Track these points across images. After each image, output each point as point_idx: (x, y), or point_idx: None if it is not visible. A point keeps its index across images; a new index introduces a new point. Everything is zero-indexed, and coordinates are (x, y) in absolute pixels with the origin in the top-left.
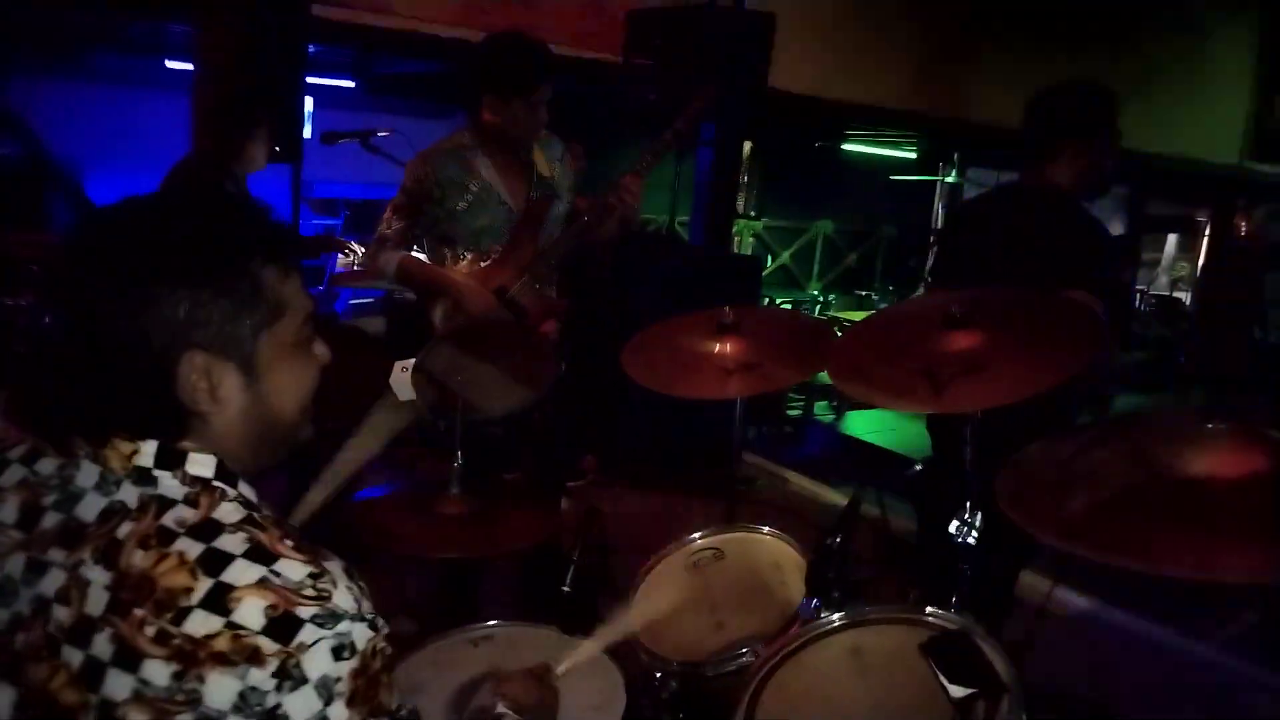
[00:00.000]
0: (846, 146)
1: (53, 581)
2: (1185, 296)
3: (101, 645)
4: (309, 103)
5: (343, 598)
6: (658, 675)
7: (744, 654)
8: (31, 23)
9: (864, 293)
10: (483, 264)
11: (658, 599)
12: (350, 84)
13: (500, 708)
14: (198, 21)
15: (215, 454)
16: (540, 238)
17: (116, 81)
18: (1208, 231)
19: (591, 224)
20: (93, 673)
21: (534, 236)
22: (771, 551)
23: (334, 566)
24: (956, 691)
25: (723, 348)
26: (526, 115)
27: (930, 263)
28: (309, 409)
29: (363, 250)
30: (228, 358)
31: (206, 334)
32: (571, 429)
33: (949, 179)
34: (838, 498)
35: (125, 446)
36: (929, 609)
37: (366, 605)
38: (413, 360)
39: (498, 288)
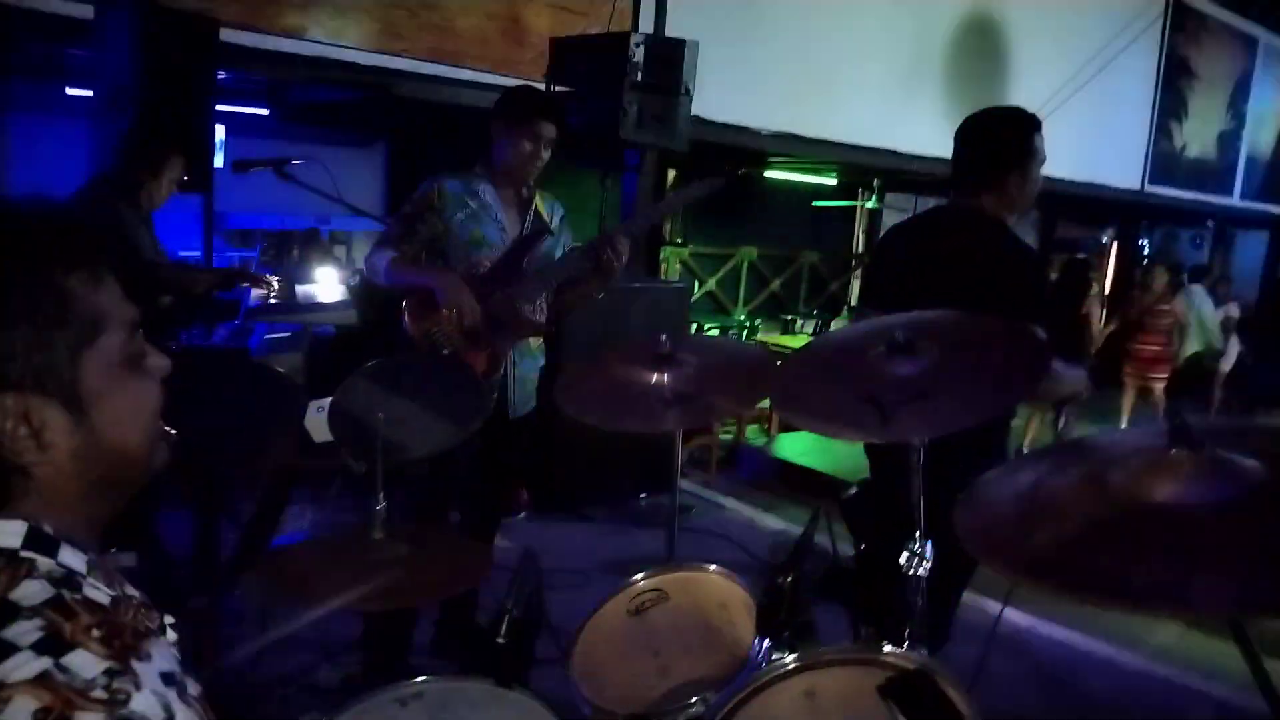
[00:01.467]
0: (769, 174)
1: None
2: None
3: None
4: (220, 131)
5: (146, 703)
6: None
7: (694, 703)
8: None
9: (789, 317)
10: (470, 275)
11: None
12: (264, 111)
13: None
14: (98, 46)
15: (27, 518)
16: (530, 263)
17: (15, 109)
18: (1113, 252)
19: (586, 267)
20: None
21: (523, 259)
22: (717, 590)
23: (147, 667)
24: None
25: (660, 378)
26: (527, 147)
27: (859, 286)
28: (158, 432)
29: (278, 283)
30: (45, 393)
31: (14, 369)
32: (503, 463)
33: (869, 204)
34: (774, 522)
35: None
36: (886, 648)
37: (185, 716)
38: (329, 399)
39: (479, 292)
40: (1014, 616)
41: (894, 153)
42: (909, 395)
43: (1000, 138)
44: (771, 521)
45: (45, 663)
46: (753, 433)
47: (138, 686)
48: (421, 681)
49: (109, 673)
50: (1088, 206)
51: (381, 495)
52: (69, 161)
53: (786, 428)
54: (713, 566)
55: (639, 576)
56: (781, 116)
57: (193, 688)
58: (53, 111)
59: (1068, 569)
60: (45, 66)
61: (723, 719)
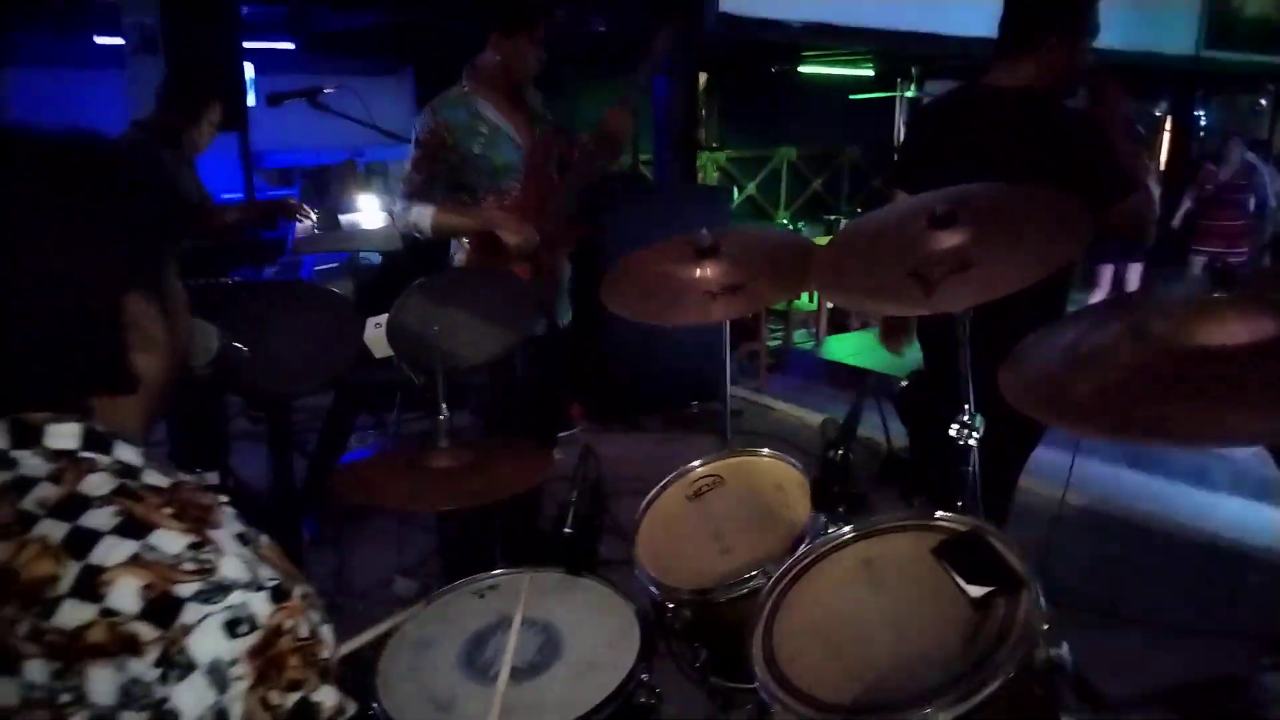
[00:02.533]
0: (803, 69)
1: None
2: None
3: None
4: (249, 68)
5: (232, 566)
6: (670, 606)
7: (755, 576)
8: None
9: (832, 216)
10: (505, 203)
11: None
12: (290, 45)
13: None
14: None
15: (80, 419)
16: (552, 171)
17: (45, 63)
18: (1168, 125)
19: (594, 152)
20: None
21: (547, 170)
22: (772, 473)
23: (223, 533)
24: (974, 591)
25: (703, 272)
26: (529, 52)
27: (888, 168)
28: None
29: (316, 213)
30: (149, 296)
31: (132, 272)
32: (555, 373)
33: (908, 94)
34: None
35: None
36: (938, 513)
37: (266, 572)
38: (385, 315)
39: (526, 214)
40: (1074, 498)
41: (934, 36)
42: (952, 267)
43: None
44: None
45: (133, 544)
46: (800, 336)
47: (220, 553)
48: (498, 574)
49: (192, 546)
50: (1138, 78)
51: (444, 405)
52: (104, 111)
53: (834, 329)
54: (766, 450)
55: (696, 464)
56: (812, 6)
57: (264, 540)
58: (82, 63)
59: (1110, 412)
60: (71, 19)
61: (782, 590)
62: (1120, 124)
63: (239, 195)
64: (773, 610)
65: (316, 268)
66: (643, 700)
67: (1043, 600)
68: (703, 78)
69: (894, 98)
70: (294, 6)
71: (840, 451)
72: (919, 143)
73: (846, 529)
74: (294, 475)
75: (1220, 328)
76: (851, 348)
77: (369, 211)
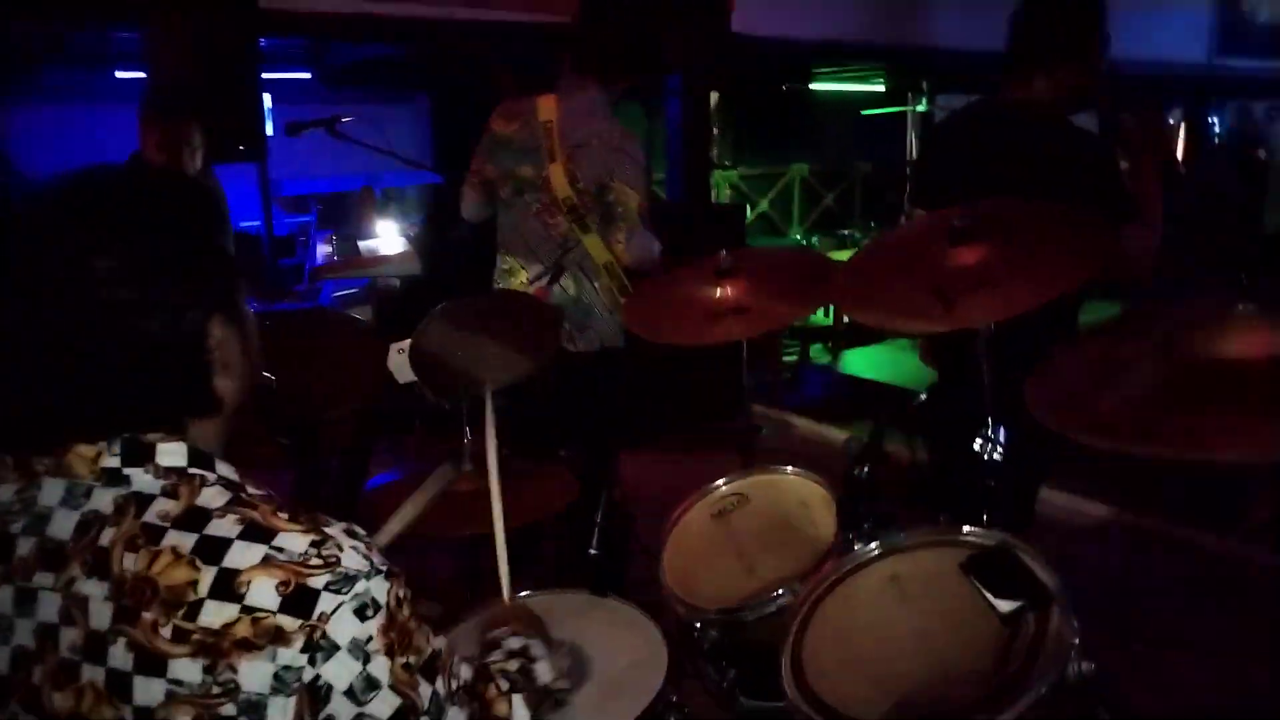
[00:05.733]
0: (814, 86)
1: (49, 607)
2: None
3: (120, 656)
4: (267, 99)
5: (351, 558)
6: (697, 626)
7: (782, 595)
8: None
9: (846, 232)
10: None
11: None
12: (307, 75)
13: (491, 635)
14: (144, 26)
15: (183, 439)
16: None
17: (67, 98)
18: (1182, 134)
19: None
20: (119, 685)
21: None
22: (797, 490)
23: (335, 529)
24: (1004, 606)
25: (723, 292)
26: None
27: (908, 187)
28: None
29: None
30: (229, 320)
31: (217, 297)
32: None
33: (919, 108)
34: (844, 436)
35: (87, 451)
36: (965, 528)
37: (377, 558)
38: (408, 341)
39: None
40: (1095, 509)
41: (944, 51)
42: (971, 283)
43: (1055, 16)
44: (842, 435)
45: (262, 548)
46: (816, 351)
47: (340, 548)
48: (523, 596)
49: (314, 543)
50: (1150, 87)
51: (467, 429)
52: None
53: (851, 344)
54: (789, 467)
55: (719, 482)
56: (823, 24)
57: (360, 531)
58: (104, 97)
59: (1135, 425)
60: (93, 53)
61: (811, 607)
62: (1152, 161)
63: (258, 223)
64: (801, 628)
65: (335, 294)
66: None
67: (1074, 615)
68: (714, 96)
69: (905, 112)
70: (311, 38)
71: (865, 469)
72: (935, 160)
73: (873, 545)
74: (320, 500)
75: (1246, 340)
76: (868, 361)
77: (387, 237)
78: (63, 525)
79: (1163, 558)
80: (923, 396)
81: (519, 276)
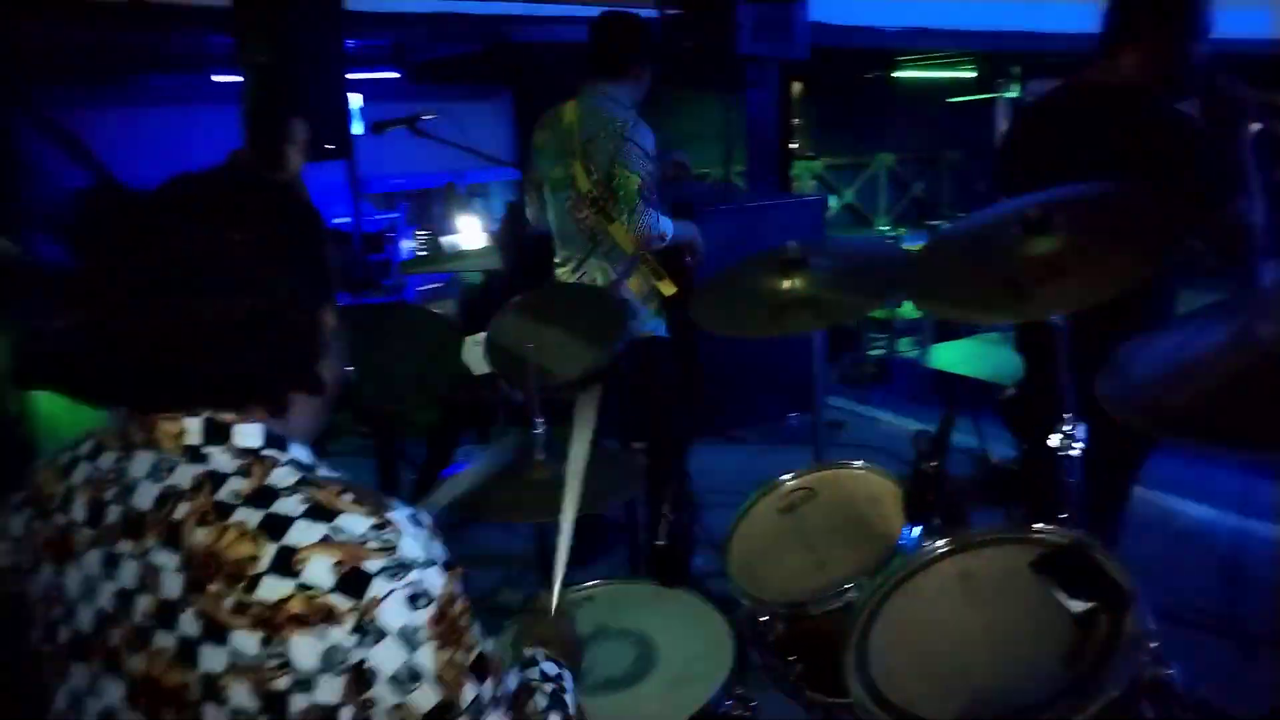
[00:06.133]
0: (899, 74)
1: (128, 573)
2: None
3: (188, 624)
4: (358, 99)
5: (409, 546)
6: (762, 619)
7: (849, 589)
8: (78, 47)
9: (935, 223)
10: None
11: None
12: (395, 75)
13: (530, 651)
14: (235, 30)
15: (261, 421)
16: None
17: (166, 101)
18: None
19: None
20: (187, 651)
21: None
22: (867, 485)
23: (398, 515)
24: (1076, 606)
25: (790, 284)
26: None
27: (992, 175)
28: None
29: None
30: (333, 309)
31: (328, 289)
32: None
33: (1010, 94)
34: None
35: (171, 427)
36: (1037, 526)
37: (438, 549)
38: (483, 334)
39: None
40: (1195, 510)
41: (1035, 34)
42: (1046, 273)
43: None
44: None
45: (323, 527)
46: (905, 344)
47: (400, 534)
48: (591, 586)
49: (375, 526)
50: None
51: (539, 419)
52: (222, 145)
53: (941, 337)
54: (858, 462)
55: (786, 476)
56: (908, 10)
57: (425, 519)
58: (200, 101)
59: (1211, 419)
60: (190, 58)
61: (878, 603)
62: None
63: (348, 219)
64: (867, 623)
65: (420, 288)
66: (737, 713)
67: (1150, 616)
68: (796, 86)
69: (995, 99)
70: (397, 38)
71: (933, 463)
72: (1017, 145)
73: (942, 542)
74: (400, 487)
75: None
76: (959, 356)
77: (469, 232)
78: (145, 496)
79: (1269, 562)
80: (1010, 390)
81: (563, 270)
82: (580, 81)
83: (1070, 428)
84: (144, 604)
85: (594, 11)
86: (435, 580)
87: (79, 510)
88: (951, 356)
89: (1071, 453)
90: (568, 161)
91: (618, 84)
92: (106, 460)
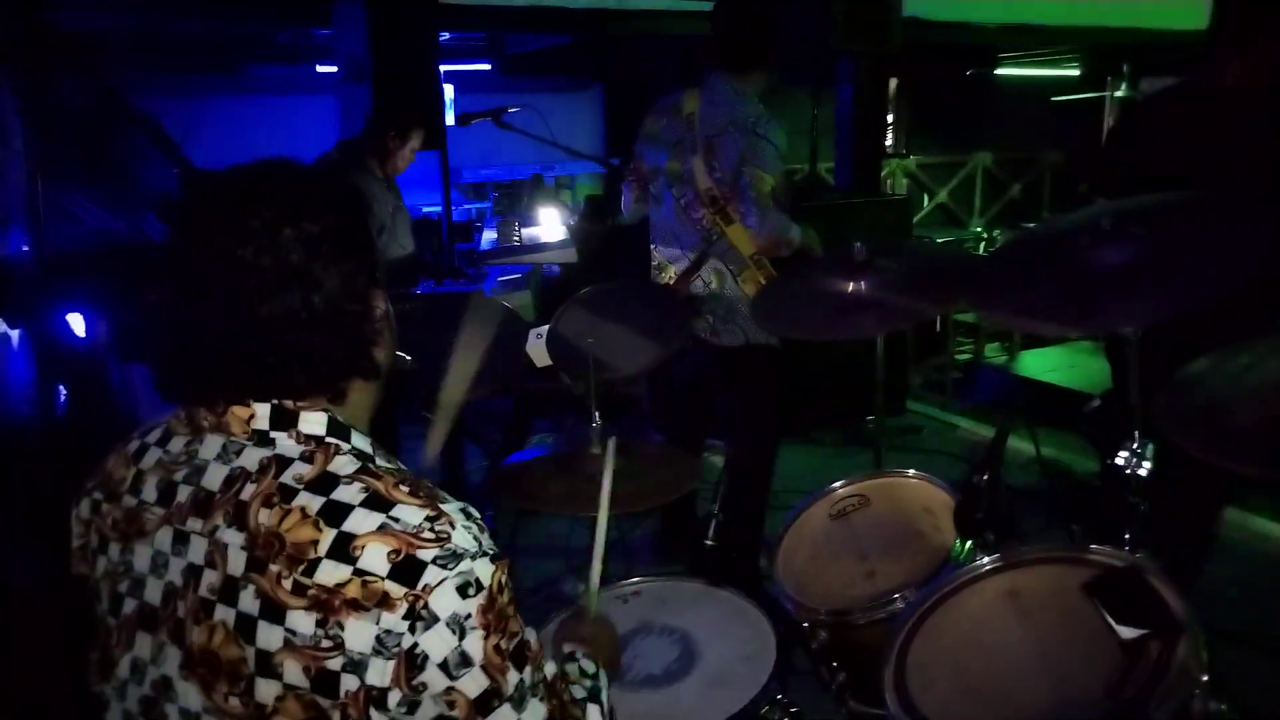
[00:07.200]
0: (1000, 71)
1: (197, 549)
2: None
3: (248, 601)
4: (450, 90)
5: (461, 537)
6: (806, 625)
7: (895, 600)
8: (194, 40)
9: (1032, 225)
10: None
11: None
12: (487, 66)
13: (569, 647)
14: (337, 24)
15: (325, 410)
16: None
17: (272, 90)
18: None
19: None
20: (246, 627)
21: None
22: (921, 495)
23: (450, 508)
24: (1126, 633)
25: (856, 286)
26: None
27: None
28: None
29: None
30: (383, 293)
31: (381, 273)
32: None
33: (1119, 94)
34: (1013, 441)
35: (242, 412)
36: (1093, 546)
37: (486, 542)
38: (546, 326)
39: None
40: None
41: (1146, 31)
42: (1117, 284)
43: None
44: (1011, 441)
45: (380, 516)
46: (992, 350)
47: (453, 525)
48: (638, 581)
49: (429, 518)
50: None
51: (597, 413)
52: (325, 132)
53: (1029, 344)
54: (912, 471)
55: (838, 484)
56: (1008, 6)
57: (475, 513)
58: (308, 89)
59: (1270, 447)
60: (295, 50)
61: (922, 616)
62: None
63: (438, 208)
64: (908, 637)
65: (500, 278)
66: (777, 718)
67: (1205, 648)
68: (892, 83)
69: (1103, 98)
70: (491, 31)
71: (985, 476)
72: (1125, 146)
73: (991, 558)
74: (464, 471)
75: None
76: (1049, 363)
77: (549, 225)
78: (215, 477)
79: None
80: (1095, 402)
81: (668, 271)
82: (702, 71)
83: (1138, 446)
84: (209, 579)
85: (685, 6)
86: (485, 570)
87: (150, 491)
88: (1042, 364)
89: (1140, 472)
90: (686, 156)
91: (744, 76)
92: (176, 444)
